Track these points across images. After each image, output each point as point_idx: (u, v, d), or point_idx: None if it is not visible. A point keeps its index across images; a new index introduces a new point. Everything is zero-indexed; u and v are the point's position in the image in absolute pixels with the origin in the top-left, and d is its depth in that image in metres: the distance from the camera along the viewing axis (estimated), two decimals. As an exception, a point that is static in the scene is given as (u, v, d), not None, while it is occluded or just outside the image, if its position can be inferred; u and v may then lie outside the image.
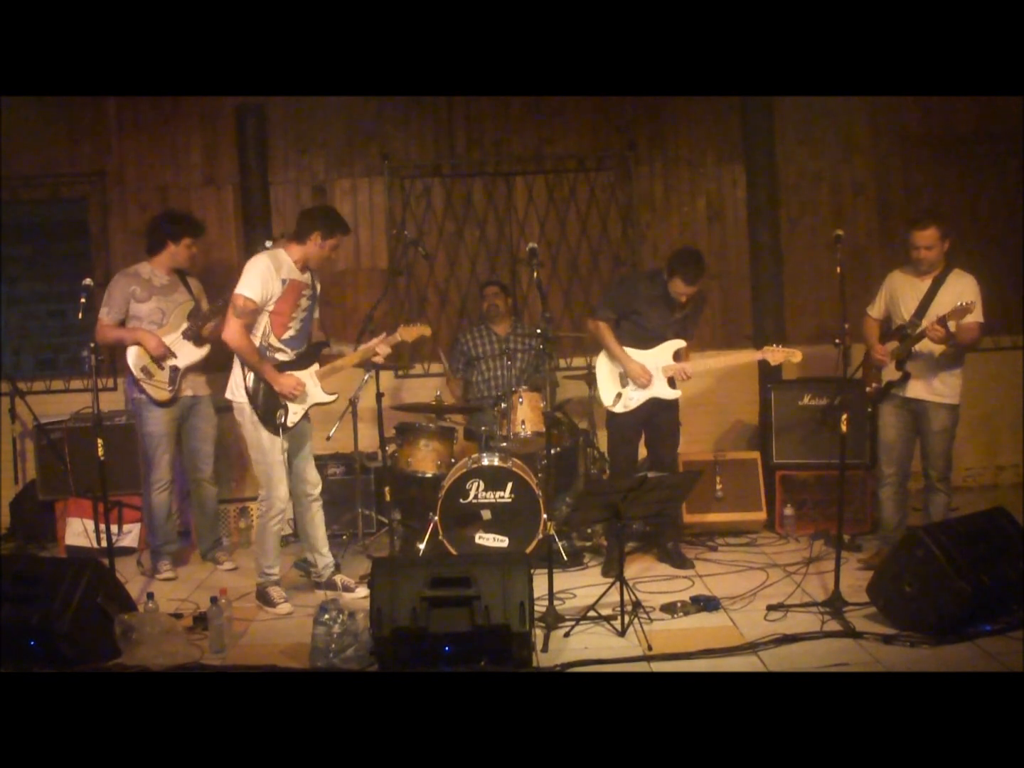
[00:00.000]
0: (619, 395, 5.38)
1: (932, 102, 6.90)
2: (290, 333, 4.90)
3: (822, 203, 7.12)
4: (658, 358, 5.37)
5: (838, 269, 4.60)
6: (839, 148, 7.11)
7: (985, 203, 7.03)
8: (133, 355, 5.49)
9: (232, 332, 4.73)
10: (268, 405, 4.82)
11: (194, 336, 5.54)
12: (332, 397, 5.04)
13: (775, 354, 5.27)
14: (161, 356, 5.46)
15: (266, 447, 4.84)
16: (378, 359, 5.08)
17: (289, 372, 4.87)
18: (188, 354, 5.55)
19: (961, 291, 4.94)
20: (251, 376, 4.81)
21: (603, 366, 5.48)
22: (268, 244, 5.16)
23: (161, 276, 5.57)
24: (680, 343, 5.40)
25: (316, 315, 5.11)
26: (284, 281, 4.80)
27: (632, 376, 5.34)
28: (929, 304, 5.01)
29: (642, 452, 5.72)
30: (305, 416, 5.00)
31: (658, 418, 5.44)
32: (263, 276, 4.73)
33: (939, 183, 7.05)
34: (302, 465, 5.05)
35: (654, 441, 5.54)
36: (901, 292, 5.13)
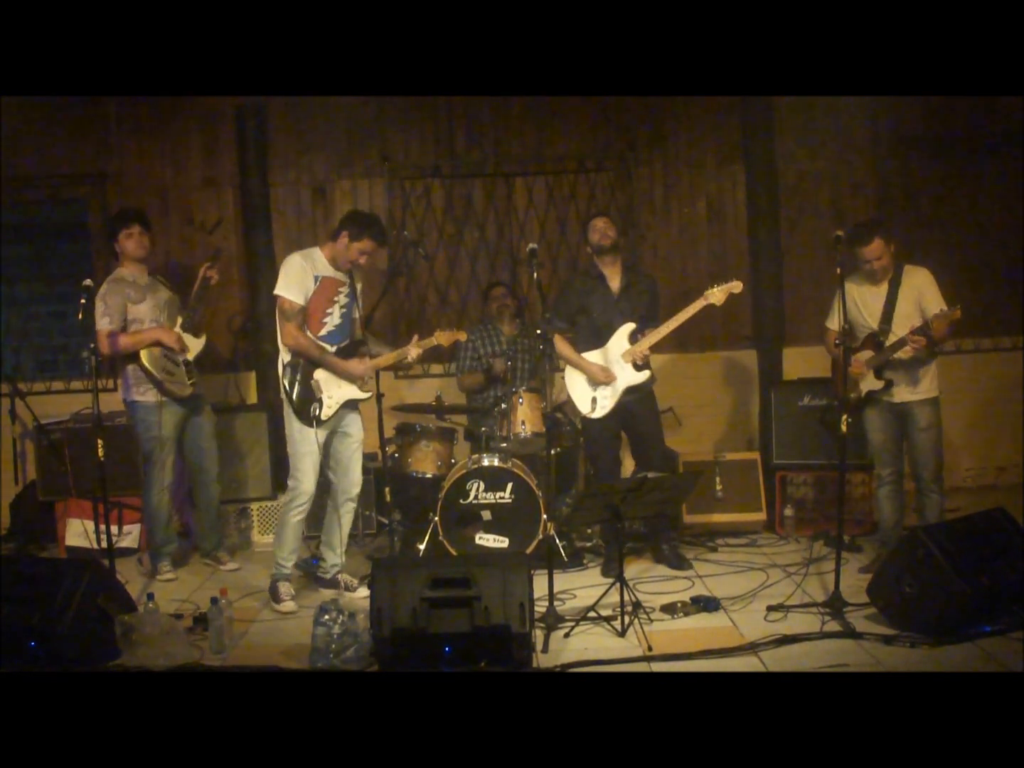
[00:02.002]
0: (594, 399, 5.38)
1: (932, 102, 6.90)
2: (327, 328, 5.00)
3: (822, 204, 7.10)
4: (613, 349, 5.36)
5: (838, 270, 4.61)
6: (839, 149, 7.09)
7: (985, 203, 7.03)
8: (149, 358, 5.39)
9: (288, 336, 4.92)
10: (302, 397, 4.92)
11: (192, 328, 5.59)
12: (367, 395, 5.11)
13: (716, 295, 5.22)
14: (181, 349, 5.50)
15: (296, 438, 4.96)
16: (408, 360, 5.16)
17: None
18: (192, 346, 5.62)
19: (919, 285, 4.97)
20: (288, 370, 4.94)
21: (571, 376, 5.48)
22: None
23: (140, 276, 5.59)
24: (630, 325, 5.36)
25: (356, 315, 5.16)
26: (317, 278, 4.93)
27: (594, 378, 5.35)
28: (893, 307, 5.01)
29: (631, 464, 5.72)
30: (352, 413, 5.10)
31: (635, 416, 5.41)
32: (296, 275, 4.90)
33: (939, 183, 7.04)
34: (346, 466, 5.12)
35: (637, 442, 5.52)
36: (861, 301, 5.10)
